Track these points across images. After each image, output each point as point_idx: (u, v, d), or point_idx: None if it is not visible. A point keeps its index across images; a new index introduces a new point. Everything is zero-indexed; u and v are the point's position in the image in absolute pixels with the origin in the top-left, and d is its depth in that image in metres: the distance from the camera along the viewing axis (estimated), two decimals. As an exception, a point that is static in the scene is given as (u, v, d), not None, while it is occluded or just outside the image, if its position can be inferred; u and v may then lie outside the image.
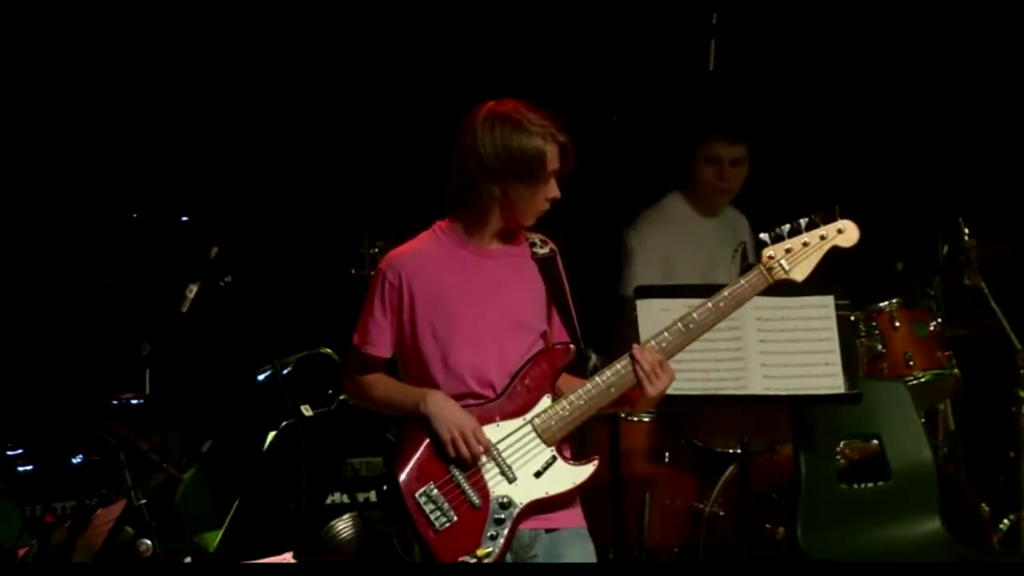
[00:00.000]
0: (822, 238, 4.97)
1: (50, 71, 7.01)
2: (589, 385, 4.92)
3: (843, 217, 4.99)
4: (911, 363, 6.72)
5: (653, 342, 4.92)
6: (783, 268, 4.97)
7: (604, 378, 4.91)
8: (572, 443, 5.00)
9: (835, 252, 5.00)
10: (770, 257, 4.97)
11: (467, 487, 4.86)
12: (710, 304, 4.94)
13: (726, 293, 4.95)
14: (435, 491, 4.86)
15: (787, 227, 4.97)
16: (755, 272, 4.98)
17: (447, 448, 4.86)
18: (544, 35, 7.46)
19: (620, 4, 7.53)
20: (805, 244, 4.97)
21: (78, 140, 7.08)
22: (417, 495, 4.85)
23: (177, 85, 7.17)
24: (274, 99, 7.29)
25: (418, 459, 4.88)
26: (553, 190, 4.94)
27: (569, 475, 4.91)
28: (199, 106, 7.19)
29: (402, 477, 4.86)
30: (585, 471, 4.92)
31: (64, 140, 7.06)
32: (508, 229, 5.00)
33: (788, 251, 4.97)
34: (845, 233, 4.98)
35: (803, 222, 4.97)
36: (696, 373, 5.81)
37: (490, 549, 4.83)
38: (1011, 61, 7.66)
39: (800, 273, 4.98)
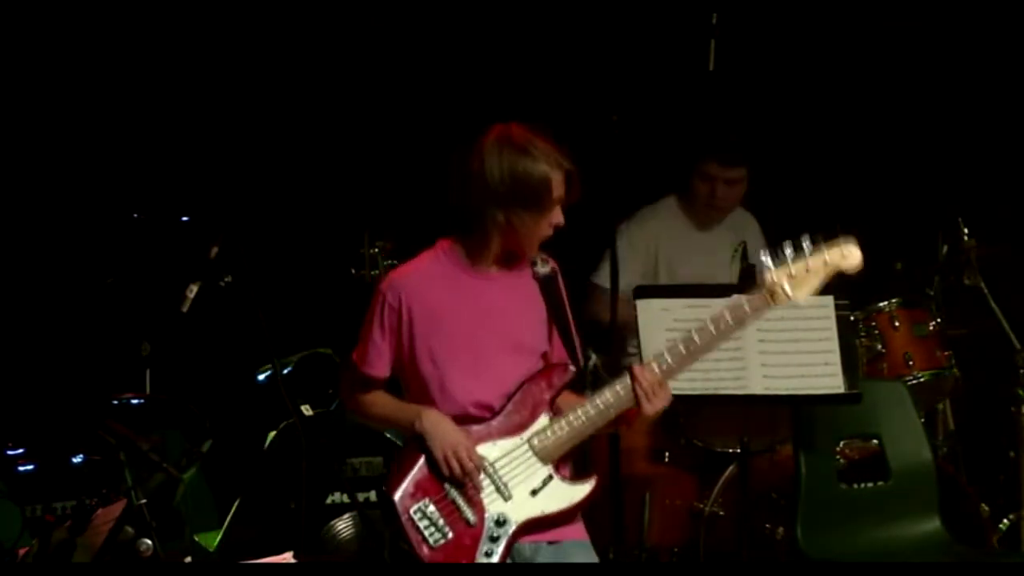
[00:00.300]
0: (825, 263, 4.97)
1: (50, 71, 7.01)
2: (588, 406, 4.91)
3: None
4: (911, 363, 6.72)
5: (654, 363, 4.92)
6: (786, 293, 4.97)
7: (603, 399, 4.91)
8: (571, 457, 4.98)
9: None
10: (773, 282, 4.96)
11: (462, 504, 4.84)
12: (711, 326, 4.93)
13: (728, 316, 4.94)
14: (430, 507, 4.84)
15: (789, 250, 4.95)
16: (758, 296, 4.96)
17: (441, 466, 4.84)
18: (544, 35, 7.46)
19: (620, 4, 7.52)
20: (808, 270, 4.97)
21: (78, 140, 7.08)
22: (412, 511, 4.83)
23: (177, 85, 7.17)
24: (274, 99, 7.28)
25: (414, 476, 4.87)
26: (557, 216, 4.92)
27: (566, 494, 4.90)
28: (199, 106, 7.19)
29: (397, 494, 4.85)
30: (582, 490, 4.91)
31: (64, 140, 7.06)
32: (510, 251, 4.97)
33: (791, 276, 4.96)
34: (848, 259, 4.99)
35: (806, 245, 4.96)
36: (696, 373, 5.77)
37: None
38: (1010, 61, 7.65)
39: (802, 295, 4.97)
